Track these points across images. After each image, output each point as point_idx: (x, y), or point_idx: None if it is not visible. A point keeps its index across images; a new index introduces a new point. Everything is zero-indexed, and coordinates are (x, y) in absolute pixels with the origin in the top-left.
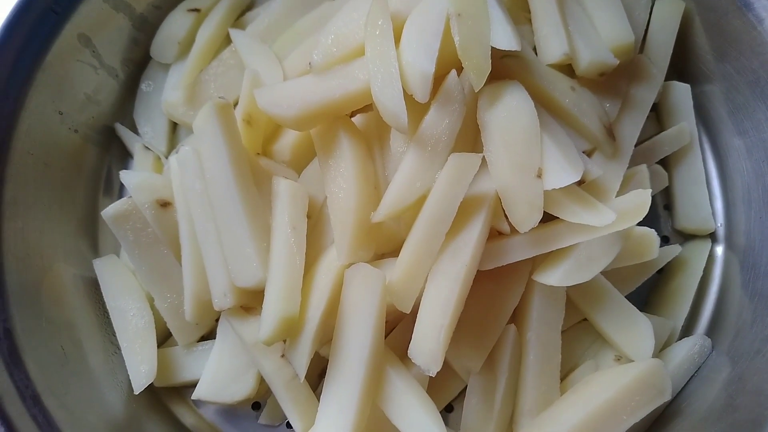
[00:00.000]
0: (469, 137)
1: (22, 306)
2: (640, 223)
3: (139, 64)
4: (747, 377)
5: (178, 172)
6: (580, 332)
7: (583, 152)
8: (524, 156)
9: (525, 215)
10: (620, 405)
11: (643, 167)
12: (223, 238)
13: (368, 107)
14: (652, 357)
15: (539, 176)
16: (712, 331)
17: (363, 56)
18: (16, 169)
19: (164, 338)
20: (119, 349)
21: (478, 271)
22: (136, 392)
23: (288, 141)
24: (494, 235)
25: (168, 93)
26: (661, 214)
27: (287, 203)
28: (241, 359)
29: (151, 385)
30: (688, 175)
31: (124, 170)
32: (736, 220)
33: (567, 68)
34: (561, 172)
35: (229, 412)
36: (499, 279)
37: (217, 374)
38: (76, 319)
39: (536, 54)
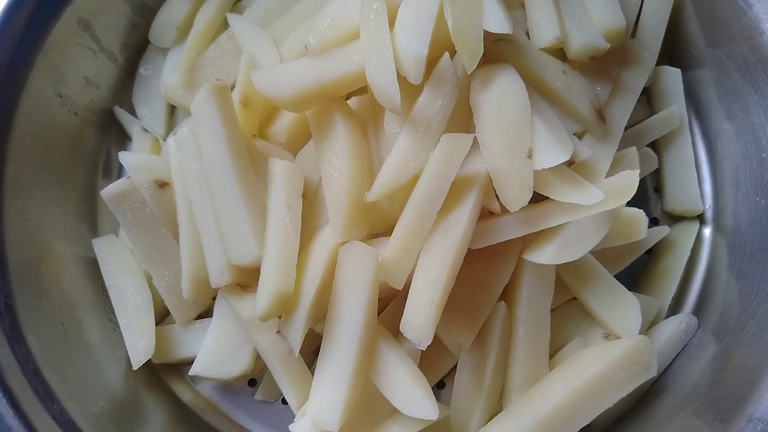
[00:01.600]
0: (462, 119)
1: (23, 283)
2: (629, 205)
3: (137, 49)
4: (731, 353)
5: (176, 153)
6: (569, 310)
7: (574, 134)
8: (515, 137)
9: (515, 195)
10: (607, 380)
11: (633, 149)
12: (220, 218)
13: (363, 89)
14: (640, 334)
15: (530, 157)
16: (698, 309)
17: (358, 39)
18: (17, 150)
19: (162, 316)
20: (118, 326)
21: (469, 249)
22: (135, 368)
23: (284, 123)
24: (485, 214)
25: (166, 76)
26: (650, 196)
27: (283, 183)
28: (237, 336)
29: (149, 362)
30: (678, 158)
31: (123, 151)
32: (724, 202)
33: (559, 52)
34: (551, 153)
35: (226, 388)
36: (489, 257)
37: (214, 351)
38: (76, 297)
39: (529, 38)
